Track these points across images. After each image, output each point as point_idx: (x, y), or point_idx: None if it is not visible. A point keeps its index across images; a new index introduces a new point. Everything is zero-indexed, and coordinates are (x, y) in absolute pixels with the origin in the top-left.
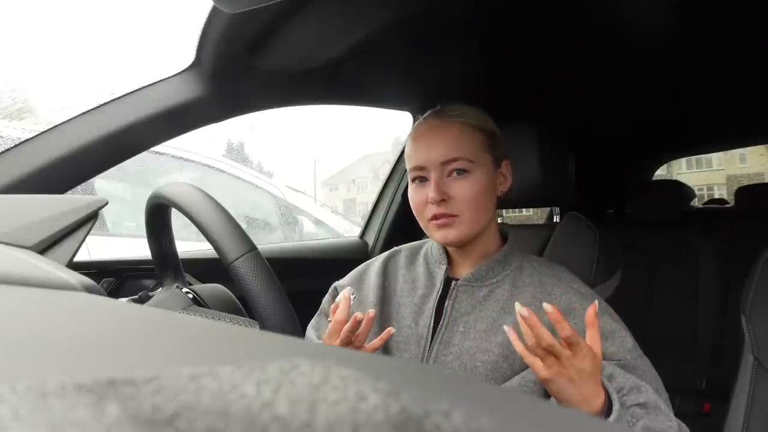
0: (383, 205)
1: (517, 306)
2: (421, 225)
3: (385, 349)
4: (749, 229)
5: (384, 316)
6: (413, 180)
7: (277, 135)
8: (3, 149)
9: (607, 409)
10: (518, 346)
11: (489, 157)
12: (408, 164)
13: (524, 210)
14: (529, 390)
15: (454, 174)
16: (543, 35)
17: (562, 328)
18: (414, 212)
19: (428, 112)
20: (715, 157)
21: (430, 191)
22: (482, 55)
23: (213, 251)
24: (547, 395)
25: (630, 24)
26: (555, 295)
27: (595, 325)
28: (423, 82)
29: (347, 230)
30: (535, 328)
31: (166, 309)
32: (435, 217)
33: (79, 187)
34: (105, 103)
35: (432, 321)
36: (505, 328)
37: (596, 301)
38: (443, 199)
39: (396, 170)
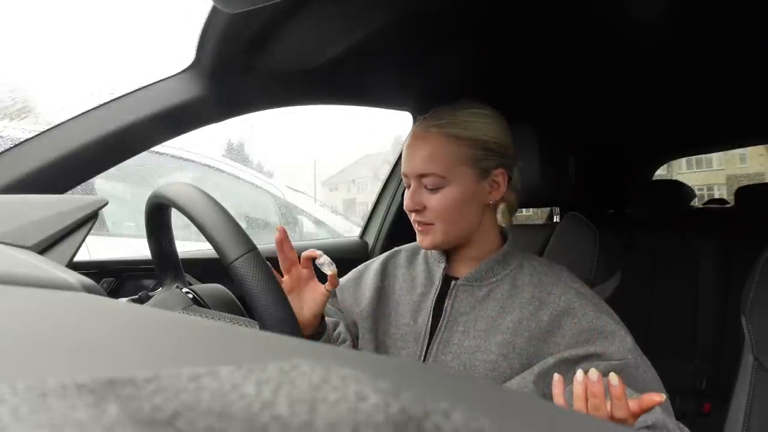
0: (383, 205)
1: (593, 373)
2: None
3: (384, 346)
4: (749, 229)
5: (382, 314)
6: (405, 184)
7: (277, 135)
8: (3, 149)
9: None
10: (559, 400)
11: (470, 169)
12: None
13: (524, 210)
14: (529, 390)
15: (428, 187)
16: (543, 35)
17: (621, 407)
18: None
19: (430, 112)
20: (715, 157)
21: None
22: (482, 56)
23: (213, 251)
24: (545, 396)
25: (630, 24)
26: (554, 295)
27: (645, 410)
28: (423, 82)
29: (347, 230)
30: (597, 398)
31: (166, 309)
32: (415, 222)
33: (79, 187)
34: (105, 103)
35: (430, 319)
36: (555, 378)
37: (664, 396)
38: (417, 209)
39: (396, 170)
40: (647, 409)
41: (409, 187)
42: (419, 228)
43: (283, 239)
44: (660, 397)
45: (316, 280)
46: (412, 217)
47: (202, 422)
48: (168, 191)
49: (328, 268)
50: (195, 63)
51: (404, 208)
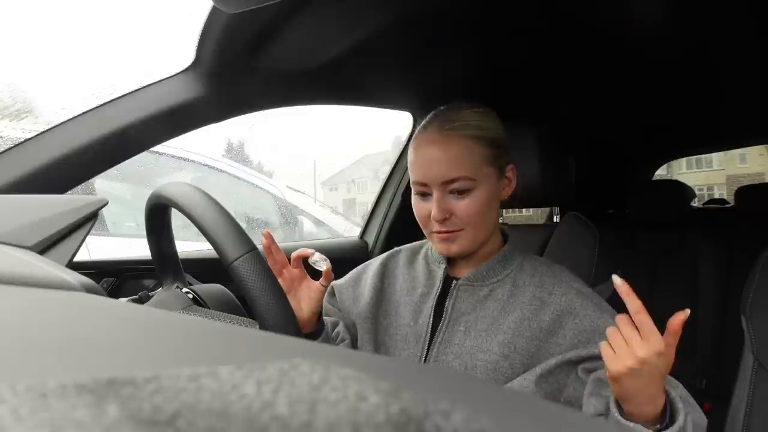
0: (383, 205)
1: (616, 278)
2: (424, 232)
3: (384, 346)
4: (749, 229)
5: (382, 314)
6: (416, 192)
7: (277, 135)
8: (3, 149)
9: (667, 409)
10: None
11: (492, 169)
12: (410, 174)
13: (523, 210)
14: (530, 391)
15: (456, 192)
16: (543, 35)
17: (632, 300)
18: (417, 220)
19: (430, 115)
20: (715, 157)
21: (432, 208)
22: (482, 55)
23: (213, 251)
24: (546, 396)
25: (630, 23)
26: (556, 295)
27: (678, 333)
28: (423, 82)
29: (347, 230)
30: (629, 295)
31: (166, 309)
32: (438, 231)
33: (79, 187)
34: (105, 103)
35: (431, 319)
36: (614, 277)
37: (687, 311)
38: (446, 217)
39: (396, 170)
40: (678, 330)
41: (422, 195)
42: (444, 236)
43: (270, 243)
44: (684, 313)
45: (309, 277)
46: (435, 227)
47: (202, 422)
48: (168, 191)
49: (323, 264)
50: (195, 63)
51: (432, 217)
